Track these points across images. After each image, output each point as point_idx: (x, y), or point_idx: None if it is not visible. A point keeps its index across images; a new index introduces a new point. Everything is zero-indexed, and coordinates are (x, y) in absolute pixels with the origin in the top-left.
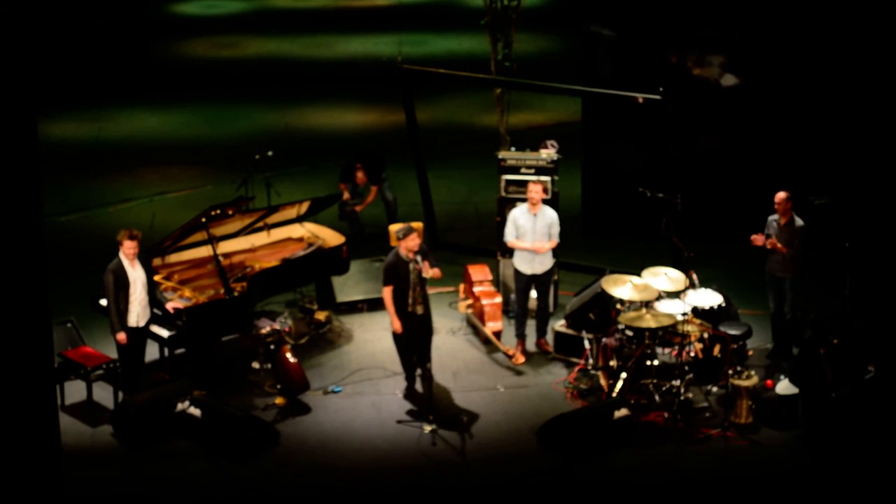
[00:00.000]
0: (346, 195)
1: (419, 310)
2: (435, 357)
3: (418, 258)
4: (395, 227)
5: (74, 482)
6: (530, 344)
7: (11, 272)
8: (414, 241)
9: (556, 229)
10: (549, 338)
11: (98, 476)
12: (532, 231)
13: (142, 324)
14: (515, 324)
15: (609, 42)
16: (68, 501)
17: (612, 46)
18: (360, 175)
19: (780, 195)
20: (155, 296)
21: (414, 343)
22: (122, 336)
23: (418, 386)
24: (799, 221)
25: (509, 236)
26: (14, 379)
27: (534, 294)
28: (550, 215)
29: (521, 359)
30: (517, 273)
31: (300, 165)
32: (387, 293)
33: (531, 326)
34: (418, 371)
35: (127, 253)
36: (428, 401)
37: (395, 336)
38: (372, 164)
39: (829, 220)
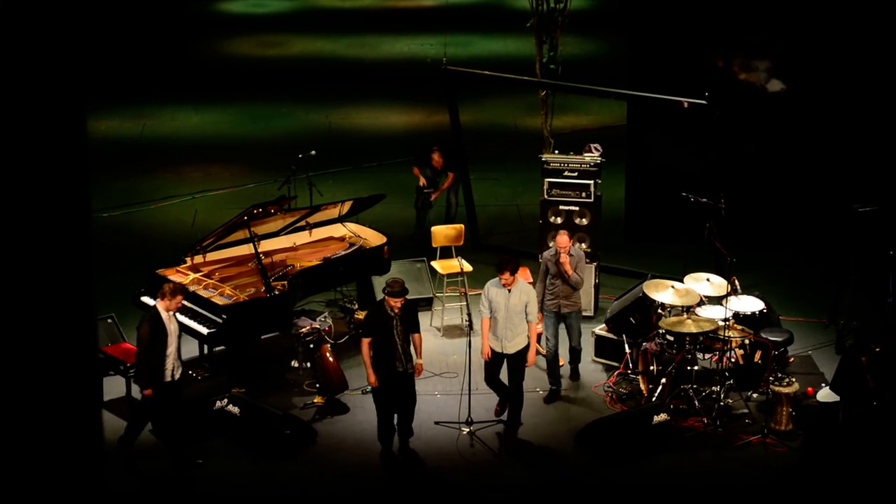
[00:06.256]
0: (422, 181)
1: (409, 368)
2: (475, 357)
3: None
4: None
5: (111, 477)
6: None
7: (60, 267)
8: (397, 303)
9: (533, 308)
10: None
11: (135, 471)
12: (505, 308)
13: (177, 376)
14: (498, 393)
15: (655, 46)
16: (107, 497)
17: (658, 50)
18: (436, 157)
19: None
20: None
21: (395, 404)
22: (150, 391)
23: (395, 448)
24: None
25: (484, 312)
26: (60, 373)
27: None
28: (527, 292)
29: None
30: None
31: (343, 165)
32: (364, 345)
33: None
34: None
35: (170, 307)
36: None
37: (374, 392)
38: (450, 150)
39: (873, 228)
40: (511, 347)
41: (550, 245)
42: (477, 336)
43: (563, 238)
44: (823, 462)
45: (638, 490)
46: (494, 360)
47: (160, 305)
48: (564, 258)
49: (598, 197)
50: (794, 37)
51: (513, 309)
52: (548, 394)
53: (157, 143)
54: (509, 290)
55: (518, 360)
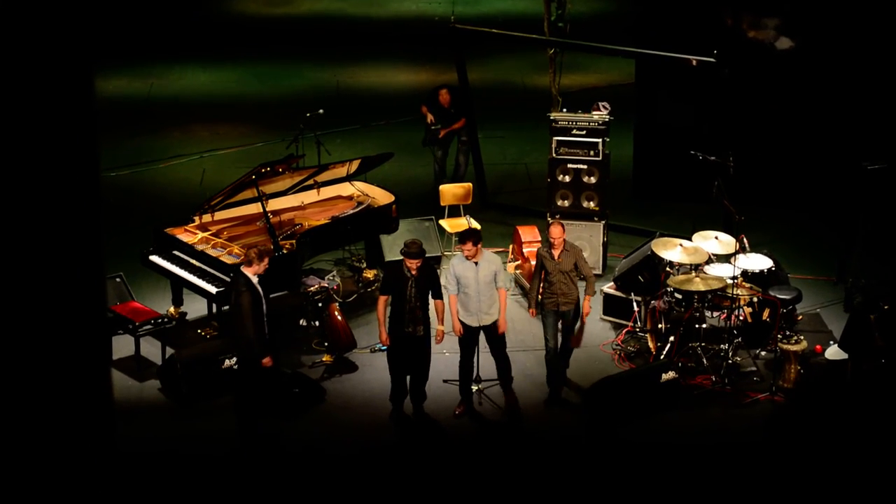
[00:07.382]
0: (429, 118)
1: (420, 331)
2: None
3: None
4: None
5: (122, 437)
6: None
7: (68, 226)
8: (413, 264)
9: (503, 276)
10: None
11: (145, 431)
12: (476, 281)
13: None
14: (460, 381)
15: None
16: (118, 456)
17: (667, 7)
18: (443, 94)
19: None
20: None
21: (408, 365)
22: (269, 360)
23: (406, 408)
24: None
25: (450, 289)
26: (69, 333)
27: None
28: (494, 261)
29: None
30: (463, 324)
31: (351, 124)
32: (381, 302)
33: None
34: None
35: (259, 271)
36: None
37: (387, 352)
38: (460, 96)
39: (882, 186)
40: (488, 318)
41: (558, 202)
42: None
43: (555, 229)
44: (831, 420)
45: (646, 447)
46: (470, 336)
47: (248, 272)
48: (587, 309)
49: (607, 155)
50: None
51: (483, 280)
52: (546, 397)
53: (165, 102)
54: (476, 263)
55: (496, 331)
